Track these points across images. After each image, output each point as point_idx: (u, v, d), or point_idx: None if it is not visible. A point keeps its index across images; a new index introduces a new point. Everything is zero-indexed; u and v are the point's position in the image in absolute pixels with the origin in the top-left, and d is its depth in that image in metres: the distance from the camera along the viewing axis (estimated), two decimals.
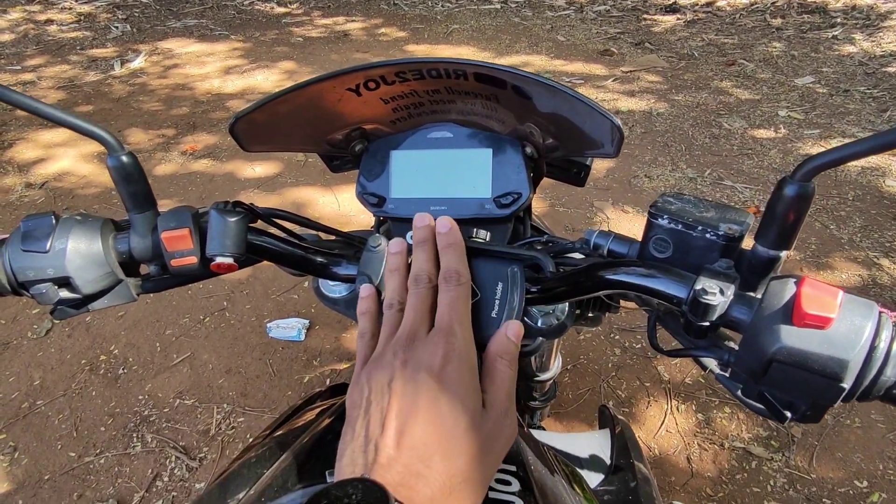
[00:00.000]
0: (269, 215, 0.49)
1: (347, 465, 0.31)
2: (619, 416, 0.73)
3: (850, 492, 1.33)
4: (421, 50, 4.13)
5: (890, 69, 3.35)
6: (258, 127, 0.48)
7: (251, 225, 0.46)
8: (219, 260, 0.41)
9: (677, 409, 1.54)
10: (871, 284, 1.87)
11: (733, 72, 3.52)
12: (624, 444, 0.64)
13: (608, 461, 0.61)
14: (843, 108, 2.97)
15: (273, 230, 0.49)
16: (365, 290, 0.43)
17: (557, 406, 1.57)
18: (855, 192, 2.34)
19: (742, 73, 3.50)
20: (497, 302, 0.40)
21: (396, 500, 0.26)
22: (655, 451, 1.45)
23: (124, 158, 0.41)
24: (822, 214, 2.22)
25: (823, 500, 1.32)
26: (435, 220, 0.45)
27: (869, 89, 3.15)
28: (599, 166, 2.60)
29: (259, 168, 2.69)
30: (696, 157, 2.64)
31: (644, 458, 0.64)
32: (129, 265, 0.45)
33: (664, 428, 1.50)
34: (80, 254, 0.41)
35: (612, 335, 1.77)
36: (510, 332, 0.38)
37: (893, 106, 2.93)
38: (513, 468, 0.39)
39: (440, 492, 0.29)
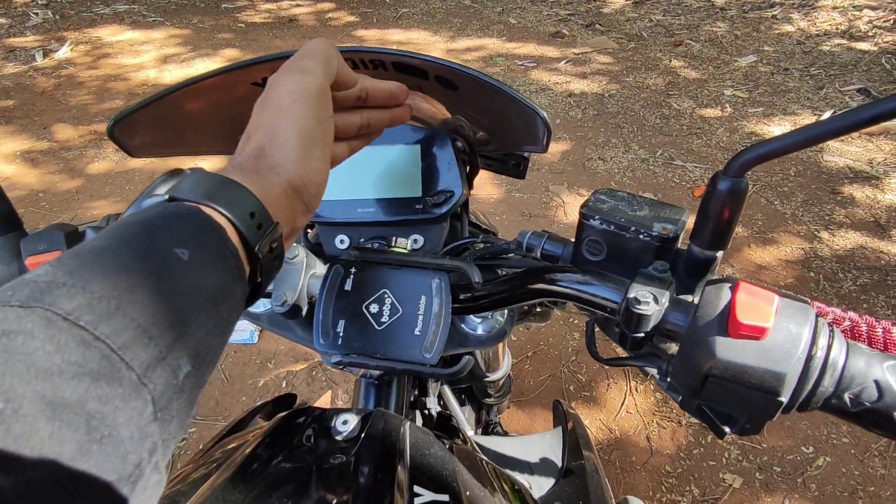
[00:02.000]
0: None
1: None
2: (571, 411, 0.71)
3: (798, 458, 1.39)
4: (370, 35, 4.01)
5: (825, 47, 3.48)
6: (146, 130, 0.42)
7: None
8: None
9: (636, 390, 1.57)
10: (813, 257, 1.95)
11: (681, 52, 3.58)
12: (575, 442, 0.63)
13: (559, 463, 0.60)
14: (783, 87, 3.08)
15: None
16: None
17: (518, 395, 1.57)
18: (796, 167, 2.43)
19: (689, 53, 3.56)
20: (420, 318, 0.36)
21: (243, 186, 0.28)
22: (616, 432, 1.47)
23: None
24: (767, 191, 2.29)
25: (774, 467, 1.37)
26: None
27: (806, 67, 3.27)
28: (553, 149, 2.59)
29: (204, 162, 2.54)
30: (647, 138, 2.68)
31: (595, 453, 0.63)
32: None
33: (624, 409, 1.52)
34: None
35: (571, 319, 1.77)
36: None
37: (829, 83, 3.05)
38: (445, 497, 0.35)
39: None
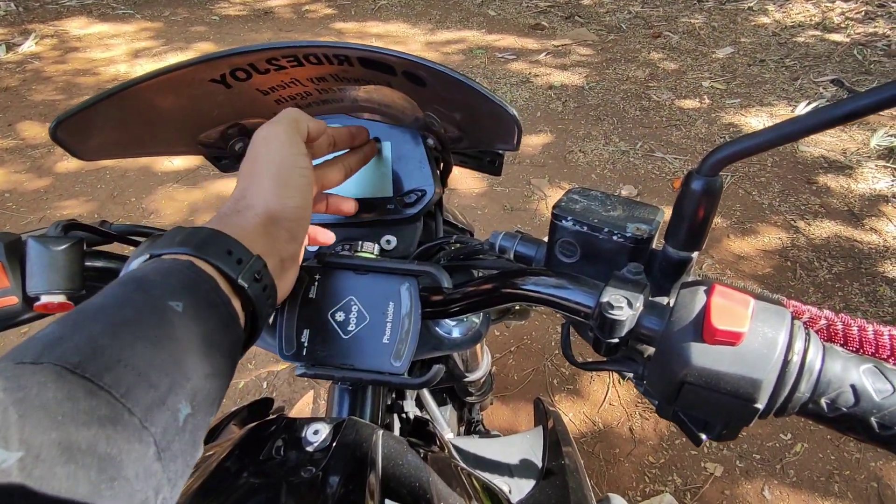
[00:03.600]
0: (125, 233, 0.41)
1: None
2: (552, 409, 0.71)
3: (777, 445, 1.41)
4: (349, 28, 3.94)
5: (799, 39, 3.53)
6: (95, 130, 0.40)
7: (96, 248, 0.38)
8: (45, 299, 0.34)
9: (619, 383, 1.58)
10: (790, 246, 1.98)
11: (659, 44, 3.60)
12: (556, 441, 0.62)
13: (540, 464, 0.59)
14: (760, 78, 3.11)
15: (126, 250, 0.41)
16: None
17: (502, 389, 1.56)
18: (773, 158, 2.46)
19: (668, 45, 3.58)
20: (389, 325, 0.35)
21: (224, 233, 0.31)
22: (600, 424, 1.48)
23: None
24: (745, 182, 2.32)
25: (754, 455, 1.40)
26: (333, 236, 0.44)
27: (782, 59, 3.31)
28: (534, 142, 2.59)
29: (178, 161, 2.48)
30: (627, 130, 2.69)
31: (575, 450, 0.63)
32: None
33: (607, 401, 1.53)
34: None
35: (554, 313, 1.78)
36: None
37: (804, 74, 3.10)
38: None
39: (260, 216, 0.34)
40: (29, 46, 3.50)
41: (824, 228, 2.05)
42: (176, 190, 2.31)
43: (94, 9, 4.21)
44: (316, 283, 0.36)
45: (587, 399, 1.54)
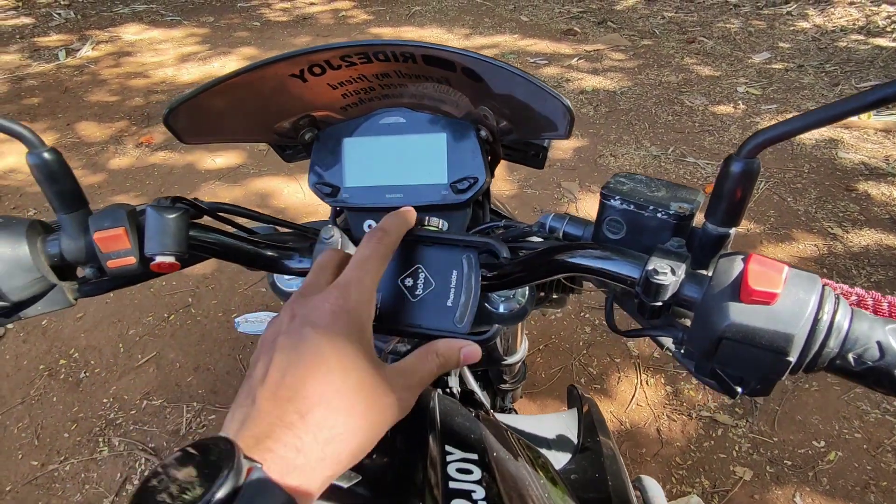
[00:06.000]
0: (215, 210, 0.47)
1: (227, 422, 0.30)
2: (587, 396, 0.74)
3: (810, 452, 1.40)
4: (385, 33, 4.04)
5: (841, 44, 3.45)
6: (196, 117, 0.46)
7: (195, 221, 0.44)
8: (159, 259, 0.39)
9: (647, 383, 1.58)
10: (827, 254, 1.95)
11: (693, 49, 3.57)
12: (591, 424, 0.65)
13: (575, 441, 0.62)
14: (797, 83, 3.06)
15: (224, 225, 0.47)
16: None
17: (530, 386, 1.59)
18: (810, 164, 2.42)
19: (702, 49, 3.55)
20: (452, 290, 0.39)
21: (248, 457, 0.26)
22: (627, 424, 1.49)
23: (46, 155, 0.38)
24: (780, 187, 2.29)
25: (785, 461, 1.38)
26: (391, 209, 0.43)
27: (822, 64, 3.24)
28: (565, 146, 2.61)
29: (220, 159, 2.60)
30: (659, 135, 2.68)
31: (611, 436, 0.65)
32: (63, 269, 0.42)
33: (634, 402, 1.54)
34: (4, 259, 0.38)
35: (582, 314, 1.79)
36: (465, 351, 0.36)
37: (845, 80, 3.03)
38: (474, 456, 0.38)
39: (311, 444, 0.28)
40: (86, 51, 3.71)
41: (864, 236, 2.01)
42: (218, 186, 2.41)
43: (146, 16, 4.43)
44: None
45: (614, 399, 1.55)
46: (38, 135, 0.38)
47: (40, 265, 0.39)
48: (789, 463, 1.38)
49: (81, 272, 0.43)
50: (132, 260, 0.39)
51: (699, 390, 1.56)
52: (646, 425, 1.48)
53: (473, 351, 0.36)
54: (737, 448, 1.42)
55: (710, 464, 1.39)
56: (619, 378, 1.60)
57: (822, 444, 1.41)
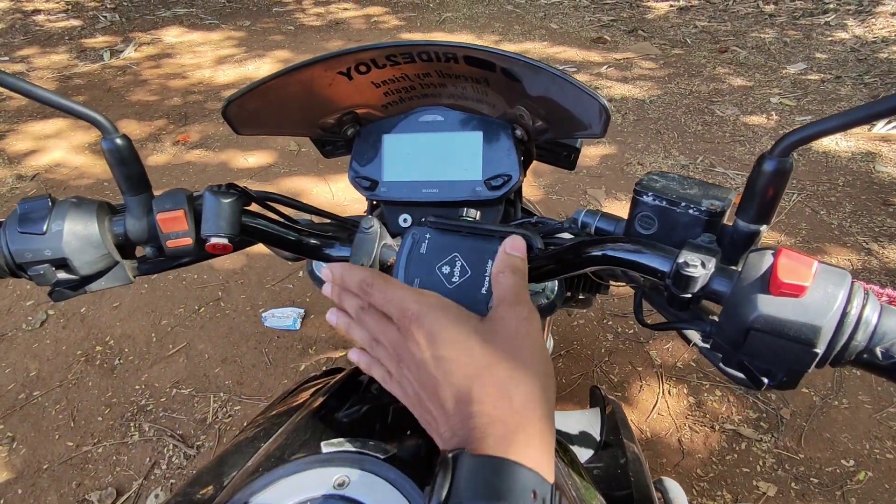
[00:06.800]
0: (263, 198, 0.50)
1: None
2: (610, 397, 0.74)
3: (838, 471, 1.36)
4: (417, 38, 4.10)
5: (881, 55, 3.36)
6: (250, 110, 0.49)
7: (245, 207, 0.47)
8: (213, 240, 0.42)
9: (669, 393, 1.57)
10: (861, 269, 1.89)
11: (726, 59, 3.52)
12: (614, 423, 0.66)
13: (598, 438, 0.63)
14: (834, 95, 2.99)
15: (268, 213, 0.50)
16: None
17: None
18: (845, 177, 2.36)
19: (735, 59, 3.50)
20: (487, 279, 0.41)
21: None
22: (647, 433, 1.48)
23: (119, 141, 0.42)
24: (813, 200, 2.24)
25: (811, 479, 1.35)
26: (426, 204, 0.45)
27: (860, 75, 3.16)
28: (592, 153, 2.60)
29: (252, 158, 2.67)
30: (688, 144, 2.65)
31: (634, 437, 0.66)
32: (125, 247, 0.45)
33: (656, 411, 1.53)
34: (77, 235, 0.41)
35: (604, 321, 1.79)
36: (508, 246, 0.39)
37: (884, 92, 2.94)
38: None
39: (516, 417, 0.32)
40: (129, 53, 3.87)
41: None
42: (250, 184, 2.47)
43: (185, 19, 4.60)
44: (426, 241, 0.43)
45: (636, 407, 1.54)
46: (113, 123, 0.41)
47: (107, 243, 0.43)
48: (815, 481, 1.35)
49: (141, 251, 0.46)
50: (189, 241, 0.43)
51: (723, 402, 1.54)
52: (667, 435, 1.47)
53: (512, 240, 0.39)
54: (761, 463, 1.39)
55: (732, 477, 1.37)
56: (641, 387, 1.59)
57: (852, 462, 1.37)
